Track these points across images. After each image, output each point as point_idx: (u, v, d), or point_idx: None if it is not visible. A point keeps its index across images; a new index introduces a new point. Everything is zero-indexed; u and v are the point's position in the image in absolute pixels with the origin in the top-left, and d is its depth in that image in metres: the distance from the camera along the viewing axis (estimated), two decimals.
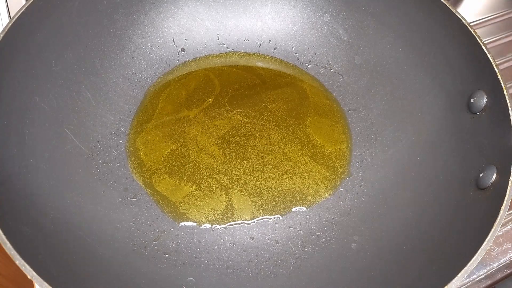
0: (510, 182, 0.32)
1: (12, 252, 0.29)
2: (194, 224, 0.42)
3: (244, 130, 0.48)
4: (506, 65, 0.57)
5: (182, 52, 0.52)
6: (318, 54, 0.52)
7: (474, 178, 0.36)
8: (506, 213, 0.32)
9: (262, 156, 0.47)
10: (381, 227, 0.41)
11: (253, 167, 0.46)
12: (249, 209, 0.43)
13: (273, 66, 0.53)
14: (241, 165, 0.46)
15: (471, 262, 0.30)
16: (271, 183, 0.45)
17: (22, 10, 0.38)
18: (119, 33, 0.48)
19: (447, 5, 0.41)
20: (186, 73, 0.52)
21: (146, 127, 0.47)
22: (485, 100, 0.37)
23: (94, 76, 0.46)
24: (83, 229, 0.38)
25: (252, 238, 0.42)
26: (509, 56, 0.57)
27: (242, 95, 0.50)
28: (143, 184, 0.44)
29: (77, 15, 0.43)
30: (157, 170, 0.45)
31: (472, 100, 0.39)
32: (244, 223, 0.43)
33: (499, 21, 0.61)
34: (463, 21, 0.39)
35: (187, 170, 0.45)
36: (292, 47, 0.53)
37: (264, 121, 0.49)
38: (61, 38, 0.42)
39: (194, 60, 0.53)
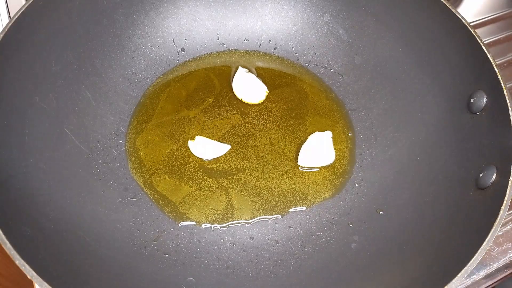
0: (510, 182, 0.32)
1: (12, 252, 0.29)
2: (194, 224, 0.42)
3: (244, 130, 0.48)
4: (506, 65, 0.57)
5: (182, 52, 0.52)
6: (318, 54, 0.52)
7: (474, 178, 0.36)
8: (506, 213, 0.32)
9: (262, 156, 0.47)
10: (381, 227, 0.41)
11: (253, 167, 0.46)
12: (249, 209, 0.43)
13: (273, 66, 0.53)
14: (241, 165, 0.46)
15: (471, 262, 0.30)
16: (271, 183, 0.45)
17: (22, 10, 0.38)
18: (119, 33, 0.48)
19: (447, 5, 0.41)
20: (186, 73, 0.52)
21: (146, 127, 0.47)
22: (485, 100, 0.37)
23: (94, 76, 0.46)
24: (83, 229, 0.38)
25: (252, 238, 0.42)
26: (509, 56, 0.57)
27: None
28: (143, 184, 0.44)
29: (77, 15, 0.43)
30: (157, 170, 0.45)
31: (472, 100, 0.39)
32: (244, 223, 0.43)
33: (499, 21, 0.61)
34: (463, 21, 0.40)
35: (187, 170, 0.45)
36: (292, 47, 0.53)
37: (264, 121, 0.49)
38: (61, 38, 0.42)
39: (194, 60, 0.53)
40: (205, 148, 0.45)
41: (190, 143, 0.46)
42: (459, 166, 0.38)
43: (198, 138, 0.46)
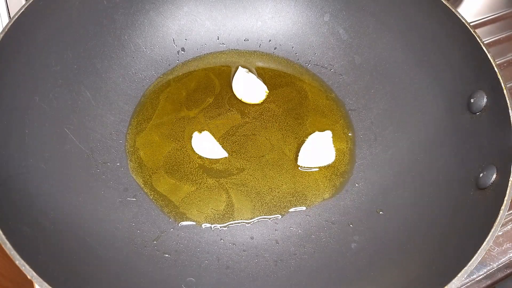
0: (510, 182, 0.32)
1: (12, 252, 0.29)
2: (194, 224, 0.42)
3: (244, 130, 0.48)
4: (506, 65, 0.57)
5: (182, 52, 0.52)
6: (318, 54, 0.52)
7: (474, 178, 0.36)
8: (506, 213, 0.32)
9: (262, 156, 0.47)
10: (381, 227, 0.41)
11: (253, 167, 0.46)
12: (249, 209, 0.43)
13: (273, 66, 0.53)
14: (241, 165, 0.46)
15: (471, 262, 0.30)
16: (271, 183, 0.45)
17: (22, 10, 0.38)
18: (119, 33, 0.48)
19: (447, 5, 0.41)
20: (186, 73, 0.52)
21: (146, 127, 0.47)
22: (485, 100, 0.37)
23: (94, 76, 0.46)
24: (83, 229, 0.38)
25: (252, 238, 0.42)
26: (509, 56, 0.57)
27: None
28: (143, 184, 0.44)
29: (77, 15, 0.43)
30: (157, 170, 0.45)
31: (472, 100, 0.39)
32: (244, 222, 0.43)
33: (499, 21, 0.61)
34: (463, 21, 0.40)
35: (187, 170, 0.45)
36: (292, 47, 0.53)
37: (264, 121, 0.49)
38: (61, 38, 0.42)
39: (194, 60, 0.53)
40: (207, 145, 0.45)
41: (195, 135, 0.46)
42: (459, 166, 0.38)
43: (205, 133, 0.46)
